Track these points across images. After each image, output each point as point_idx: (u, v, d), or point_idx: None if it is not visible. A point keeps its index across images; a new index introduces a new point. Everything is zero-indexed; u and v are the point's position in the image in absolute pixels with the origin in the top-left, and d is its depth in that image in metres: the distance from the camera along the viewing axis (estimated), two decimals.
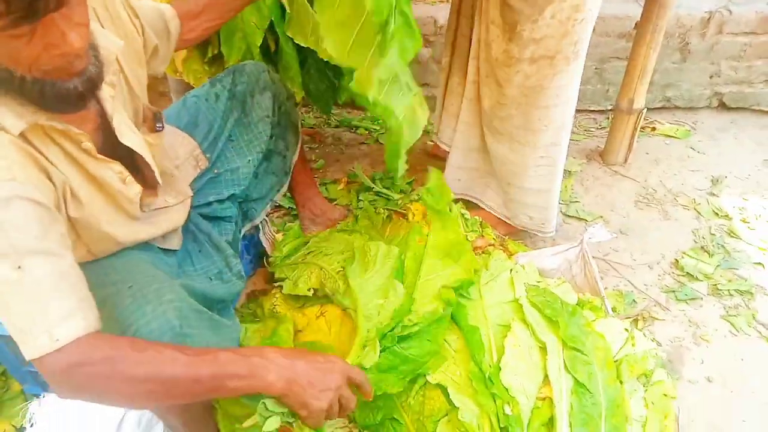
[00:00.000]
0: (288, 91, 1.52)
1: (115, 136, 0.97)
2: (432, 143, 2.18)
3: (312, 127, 2.27)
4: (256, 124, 1.42)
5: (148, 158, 1.05)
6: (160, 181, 1.10)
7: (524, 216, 1.66)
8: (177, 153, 1.32)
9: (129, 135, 1.00)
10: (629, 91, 1.91)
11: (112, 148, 0.99)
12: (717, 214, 1.85)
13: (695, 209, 1.88)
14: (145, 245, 1.18)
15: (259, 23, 1.57)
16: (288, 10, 1.49)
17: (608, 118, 2.26)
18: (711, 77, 2.29)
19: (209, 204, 1.43)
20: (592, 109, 2.36)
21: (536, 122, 1.46)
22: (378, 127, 2.26)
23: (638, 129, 1.98)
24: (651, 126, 2.26)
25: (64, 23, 0.73)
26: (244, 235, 1.59)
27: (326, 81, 1.80)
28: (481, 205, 1.75)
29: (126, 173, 1.00)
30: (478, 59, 1.51)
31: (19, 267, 0.75)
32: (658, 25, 1.76)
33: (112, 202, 1.02)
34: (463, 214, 1.74)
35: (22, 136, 0.81)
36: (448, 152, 1.84)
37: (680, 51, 2.23)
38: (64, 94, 0.80)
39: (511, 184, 1.61)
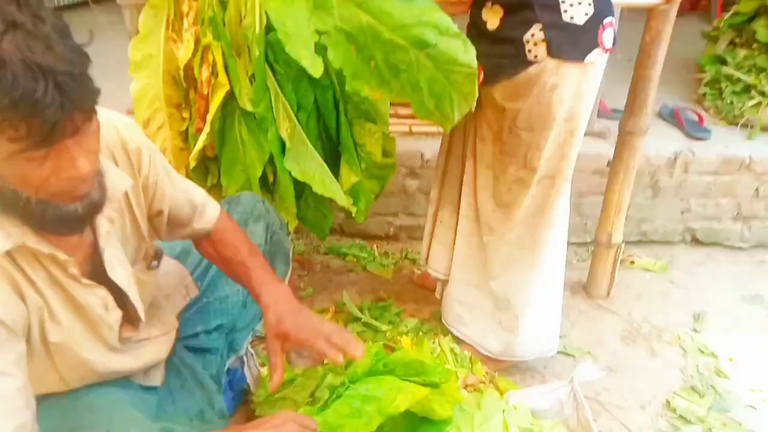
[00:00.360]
0: (281, 220, 1.56)
1: (105, 268, 0.98)
2: (418, 273, 2.21)
3: (301, 254, 2.30)
4: None
5: (134, 297, 1.05)
6: (143, 318, 1.09)
7: (533, 344, 1.66)
8: (168, 281, 1.32)
9: (119, 271, 1.01)
10: (607, 225, 1.99)
11: (99, 278, 0.99)
12: (702, 351, 1.87)
13: (681, 346, 1.89)
14: (124, 381, 1.14)
15: (260, 157, 1.64)
16: (288, 145, 1.58)
17: (588, 251, 2.33)
18: (682, 213, 2.42)
19: (196, 335, 1.40)
20: (572, 241, 2.43)
21: (543, 241, 1.53)
22: (366, 255, 2.30)
23: (618, 262, 2.04)
24: (630, 259, 2.33)
25: (75, 149, 0.76)
26: (228, 368, 1.55)
27: (323, 210, 1.85)
28: (478, 348, 1.73)
29: (109, 299, 1.00)
30: (474, 197, 1.58)
31: None
32: (629, 165, 1.88)
33: (92, 329, 1.00)
34: (452, 349, 1.74)
35: (8, 254, 0.83)
36: (438, 280, 1.87)
37: (651, 188, 2.37)
38: (64, 217, 0.83)
39: (518, 316, 1.62)
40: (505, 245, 1.56)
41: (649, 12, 1.67)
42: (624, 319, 2.01)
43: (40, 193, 0.78)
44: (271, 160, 1.68)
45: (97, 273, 0.99)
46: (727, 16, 2.82)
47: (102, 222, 0.96)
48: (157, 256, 1.19)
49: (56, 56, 0.69)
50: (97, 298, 0.98)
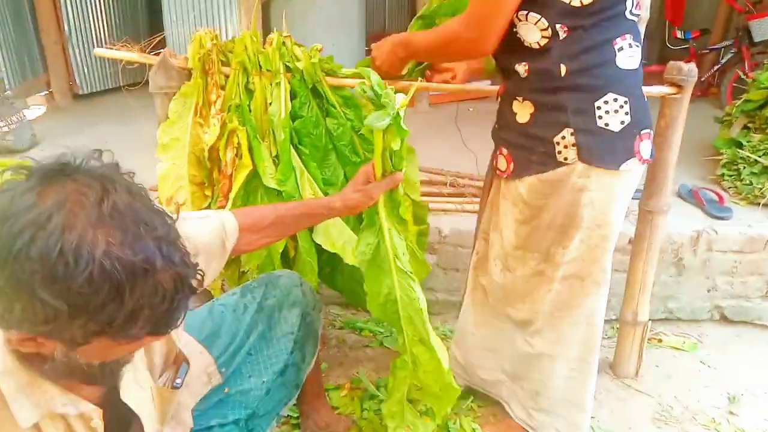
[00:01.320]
0: (316, 301, 1.49)
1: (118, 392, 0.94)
2: None
3: None
4: (279, 339, 1.38)
5: (146, 420, 0.99)
6: None
7: (552, 428, 1.58)
8: (190, 371, 1.21)
9: (133, 394, 0.97)
10: (632, 303, 1.94)
11: (110, 400, 0.94)
12: None
13: (716, 429, 1.78)
14: None
15: None
16: None
17: (613, 328, 2.26)
18: (709, 291, 2.36)
19: (210, 428, 1.33)
20: None
21: (567, 336, 1.47)
22: (383, 330, 2.25)
23: (645, 341, 1.97)
24: (657, 338, 2.25)
25: None
26: None
27: (360, 279, 1.84)
28: (506, 407, 1.66)
29: (99, 425, 0.90)
30: (486, 275, 1.56)
31: None
32: (651, 243, 1.87)
33: None
34: (474, 429, 1.65)
35: (36, 426, 0.80)
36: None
37: (675, 266, 2.33)
38: (114, 369, 0.87)
39: (541, 394, 1.55)
40: (530, 333, 1.52)
41: (662, 99, 1.72)
42: (654, 400, 1.91)
43: (105, 359, 0.81)
44: (293, 236, 1.71)
45: (110, 395, 0.94)
46: (738, 103, 2.90)
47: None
48: (182, 366, 1.12)
49: (182, 260, 0.75)
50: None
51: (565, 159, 1.26)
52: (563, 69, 1.21)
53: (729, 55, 4.37)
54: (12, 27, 3.77)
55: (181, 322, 0.78)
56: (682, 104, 1.70)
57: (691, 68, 1.66)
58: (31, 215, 0.65)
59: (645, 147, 1.29)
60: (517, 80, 1.30)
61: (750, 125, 2.81)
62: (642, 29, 2.07)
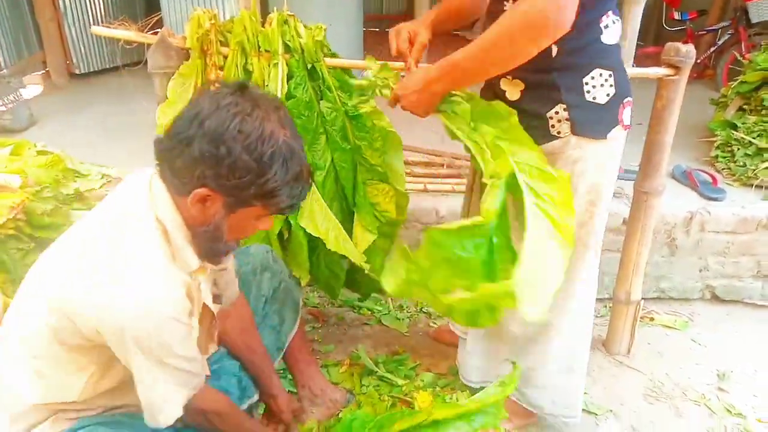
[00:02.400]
0: (286, 269, 1.65)
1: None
2: (434, 327, 2.20)
3: (315, 307, 2.30)
4: (252, 301, 1.53)
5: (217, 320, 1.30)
6: (215, 340, 1.35)
7: (548, 400, 1.62)
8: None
9: (209, 299, 1.23)
10: (625, 283, 1.98)
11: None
12: (730, 411, 1.80)
13: (706, 406, 1.83)
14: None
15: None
16: (302, 204, 1.64)
17: (606, 307, 2.30)
18: (700, 271, 2.40)
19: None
20: None
21: (561, 304, 1.50)
22: (381, 308, 2.29)
23: (638, 319, 2.02)
24: (649, 316, 2.30)
25: None
26: None
27: (335, 270, 1.87)
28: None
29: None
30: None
31: (165, 363, 1.06)
32: (645, 224, 1.90)
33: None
34: None
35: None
36: (457, 337, 1.85)
37: (668, 246, 2.37)
38: (223, 252, 1.16)
39: (534, 369, 1.59)
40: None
41: (659, 81, 1.73)
42: (646, 377, 1.96)
43: (237, 238, 1.14)
44: (286, 217, 1.73)
45: None
46: (734, 84, 2.91)
47: None
48: (217, 296, 1.36)
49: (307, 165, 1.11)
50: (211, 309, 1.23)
51: (559, 133, 1.31)
52: (555, 50, 1.24)
53: (726, 37, 4.36)
54: (6, 4, 3.73)
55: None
56: (679, 86, 1.72)
57: (689, 50, 1.67)
58: (238, 108, 0.99)
59: (626, 114, 1.36)
60: None
61: (745, 107, 2.83)
62: (639, 12, 2.10)
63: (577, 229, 1.40)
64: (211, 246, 1.11)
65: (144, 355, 1.03)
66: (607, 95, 1.29)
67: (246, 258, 1.57)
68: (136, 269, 1.02)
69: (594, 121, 1.30)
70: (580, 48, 1.24)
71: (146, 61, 1.65)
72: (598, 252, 1.51)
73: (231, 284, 1.39)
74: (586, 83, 1.27)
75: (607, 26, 1.26)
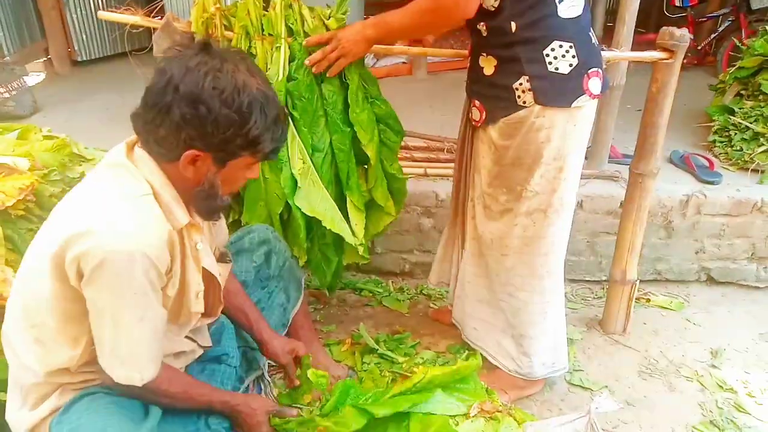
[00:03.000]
0: (288, 248, 1.73)
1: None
2: (432, 308, 2.25)
3: (317, 289, 2.34)
4: (242, 264, 1.61)
5: (220, 280, 1.32)
6: (222, 301, 1.37)
7: (539, 365, 1.69)
8: None
9: (209, 260, 1.28)
10: (621, 263, 2.02)
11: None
12: (721, 387, 1.85)
13: (699, 381, 1.88)
14: None
15: (281, 194, 1.72)
16: (299, 184, 1.68)
17: (603, 288, 2.35)
18: (696, 253, 2.44)
19: (218, 358, 1.48)
20: (587, 279, 2.46)
21: (539, 269, 1.61)
22: (382, 290, 2.34)
23: (633, 299, 2.06)
24: (646, 297, 2.34)
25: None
26: (247, 387, 1.60)
27: (327, 254, 1.90)
28: (495, 362, 1.77)
29: (202, 288, 1.25)
30: (475, 219, 1.68)
31: (141, 319, 1.07)
32: (641, 205, 1.94)
33: (178, 307, 1.22)
34: None
35: (181, 229, 1.14)
36: (450, 314, 1.92)
37: (665, 228, 2.40)
38: (219, 207, 1.20)
39: (524, 336, 1.67)
40: (503, 271, 1.64)
41: (654, 65, 1.77)
42: (641, 354, 2.01)
43: (230, 191, 1.18)
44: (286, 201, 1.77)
45: None
46: (732, 70, 2.93)
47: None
48: (225, 254, 1.44)
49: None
50: (197, 283, 1.23)
51: (524, 103, 1.41)
52: (513, 25, 1.36)
53: (726, 24, 4.36)
54: None
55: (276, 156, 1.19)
56: (673, 69, 1.75)
57: (683, 33, 1.70)
58: (207, 66, 1.03)
59: (594, 84, 1.43)
60: (479, 38, 1.45)
61: (743, 92, 2.85)
62: None
63: (547, 196, 1.52)
64: (208, 204, 1.16)
65: (114, 295, 1.04)
66: (570, 65, 1.38)
67: (249, 236, 1.63)
68: (124, 207, 1.06)
69: (557, 91, 1.40)
70: (535, 22, 1.35)
71: (151, 47, 1.68)
72: (568, 218, 1.61)
73: (220, 233, 1.45)
74: (547, 55, 1.37)
75: (562, 1, 1.35)
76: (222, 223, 1.45)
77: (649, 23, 5.13)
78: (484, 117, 1.51)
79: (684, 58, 1.77)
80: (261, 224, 1.68)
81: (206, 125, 1.03)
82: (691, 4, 4.62)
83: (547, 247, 1.59)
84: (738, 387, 1.85)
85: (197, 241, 1.20)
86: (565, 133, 1.45)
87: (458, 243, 1.85)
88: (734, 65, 2.96)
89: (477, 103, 1.54)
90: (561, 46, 1.37)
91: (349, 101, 1.67)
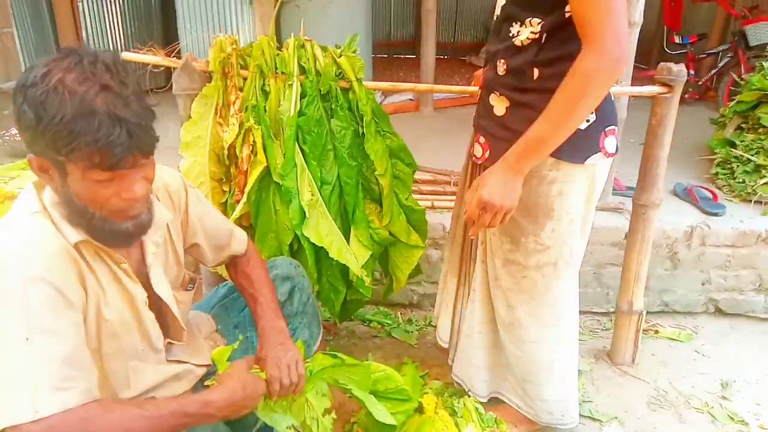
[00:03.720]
0: (311, 285, 1.67)
1: (150, 284, 1.16)
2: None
3: (327, 320, 2.36)
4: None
5: (174, 309, 1.21)
6: (184, 327, 1.25)
7: (544, 412, 1.67)
8: (200, 329, 1.44)
9: (161, 286, 1.18)
10: (627, 294, 2.04)
11: (148, 288, 1.15)
12: (732, 419, 1.84)
13: (709, 413, 1.87)
14: None
15: (290, 225, 1.77)
16: (307, 215, 1.73)
17: (611, 320, 2.35)
18: (703, 284, 2.45)
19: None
20: (594, 311, 2.47)
21: (547, 319, 1.56)
22: (391, 322, 2.36)
23: (641, 329, 2.07)
24: (654, 329, 2.35)
25: (133, 176, 1.00)
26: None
27: (336, 285, 1.93)
28: (506, 400, 1.75)
29: (147, 301, 1.14)
30: (485, 263, 1.63)
31: (27, 339, 0.91)
32: (645, 236, 1.97)
33: (139, 323, 1.14)
34: (477, 409, 1.75)
35: (77, 247, 1.02)
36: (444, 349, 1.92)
37: (670, 259, 2.42)
38: (118, 232, 1.05)
39: (528, 381, 1.65)
40: (509, 321, 1.60)
41: (653, 99, 1.83)
42: (650, 385, 2.00)
43: (103, 210, 1.01)
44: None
45: (141, 275, 1.16)
46: (732, 104, 3.00)
47: (149, 244, 1.17)
48: (193, 280, 1.35)
49: (131, 111, 0.95)
50: (142, 293, 1.13)
51: None
52: (536, 72, 1.30)
53: (726, 59, 4.47)
54: (32, 31, 3.92)
55: (127, 167, 0.97)
56: (672, 103, 1.81)
57: (680, 69, 1.77)
58: (36, 65, 0.93)
59: (610, 143, 1.37)
60: (494, 74, 1.39)
61: (743, 126, 2.91)
62: (636, 33, 2.20)
63: (558, 249, 1.47)
64: (88, 223, 1.01)
65: (1, 324, 0.91)
66: (587, 121, 1.31)
67: (271, 268, 1.57)
68: (8, 231, 0.99)
69: (572, 146, 1.29)
70: (559, 74, 1.20)
71: (170, 86, 1.76)
72: (576, 270, 1.56)
73: (206, 253, 1.38)
74: None
75: None
76: (207, 243, 1.38)
77: (650, 60, 5.26)
78: (487, 156, 1.45)
79: (686, 93, 1.83)
80: (285, 258, 1.64)
81: (19, 125, 0.94)
82: (690, 41, 4.74)
83: (556, 299, 1.54)
84: (750, 419, 1.83)
85: (120, 262, 1.09)
86: (580, 189, 1.40)
87: (462, 290, 1.79)
88: (734, 99, 3.03)
89: (482, 139, 1.48)
90: None
91: (365, 132, 1.73)
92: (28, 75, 0.92)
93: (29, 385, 0.89)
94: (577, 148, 1.32)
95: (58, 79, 0.91)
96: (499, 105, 1.40)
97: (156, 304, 1.18)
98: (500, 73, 1.37)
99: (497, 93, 1.40)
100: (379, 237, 1.87)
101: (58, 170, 0.96)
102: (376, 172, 1.78)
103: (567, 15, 1.22)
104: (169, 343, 1.24)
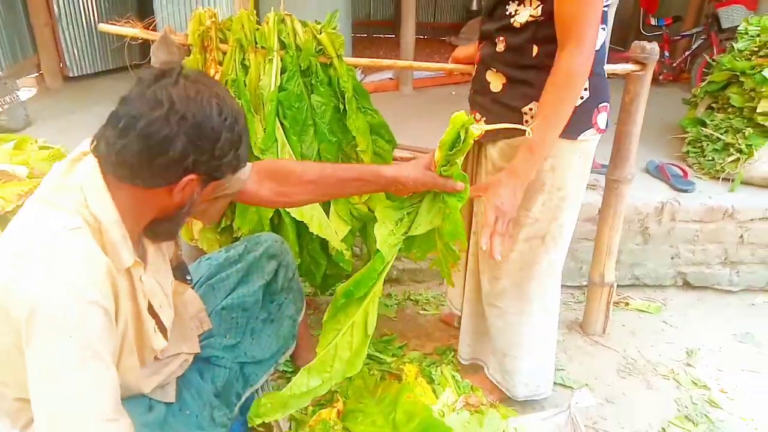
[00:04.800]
0: (294, 261, 1.68)
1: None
2: (423, 313, 2.31)
3: (307, 295, 2.39)
4: (254, 283, 1.54)
5: (168, 296, 1.20)
6: (167, 326, 1.19)
7: (521, 384, 1.72)
8: (187, 307, 1.41)
9: (158, 297, 1.15)
10: (599, 266, 2.11)
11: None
12: (696, 384, 1.93)
13: (675, 379, 1.96)
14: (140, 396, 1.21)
15: None
16: None
17: (584, 293, 2.42)
18: (672, 258, 2.54)
19: (207, 359, 1.46)
20: (568, 284, 2.54)
21: (530, 292, 1.60)
22: None
23: (612, 301, 2.14)
24: (624, 301, 2.43)
25: None
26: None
27: (316, 258, 1.97)
28: (485, 370, 1.81)
29: (153, 321, 1.12)
30: (477, 235, 1.67)
31: (82, 366, 0.89)
32: (617, 210, 2.03)
33: (140, 342, 1.11)
34: (454, 377, 1.81)
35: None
36: (455, 315, 1.99)
37: (642, 234, 2.50)
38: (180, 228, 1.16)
39: (507, 355, 1.70)
40: (494, 293, 1.65)
41: (627, 77, 1.87)
42: (619, 354, 2.08)
43: (200, 208, 1.17)
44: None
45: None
46: (703, 84, 3.07)
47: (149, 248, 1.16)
48: (185, 269, 1.35)
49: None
50: (149, 318, 1.11)
51: (532, 128, 1.37)
52: (535, 49, 1.34)
53: (699, 41, 4.56)
54: (2, 8, 3.81)
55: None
56: (645, 80, 1.86)
57: (652, 47, 1.82)
58: (206, 94, 1.00)
59: (601, 119, 1.43)
60: (493, 52, 1.42)
61: (714, 105, 2.99)
62: (612, 12, 2.23)
63: (547, 223, 1.52)
64: (171, 227, 1.12)
65: (55, 349, 0.87)
66: (581, 98, 1.35)
67: (255, 246, 1.59)
68: (53, 251, 0.92)
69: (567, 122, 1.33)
70: (557, 51, 1.27)
71: (145, 62, 1.75)
72: (565, 247, 1.60)
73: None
74: None
75: None
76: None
77: (627, 42, 5.32)
78: (483, 133, 1.48)
79: (660, 75, 1.88)
80: (270, 234, 1.64)
81: (214, 150, 1.02)
82: (666, 23, 4.81)
83: (541, 272, 1.57)
84: (711, 384, 1.93)
85: (140, 274, 1.08)
86: (571, 164, 1.43)
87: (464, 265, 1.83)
88: (704, 79, 3.10)
89: (478, 116, 1.50)
90: None
91: (346, 109, 1.74)
92: (221, 105, 1.01)
93: (82, 416, 0.89)
94: (572, 124, 1.35)
95: (239, 108, 1.07)
96: (496, 81, 1.44)
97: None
98: (499, 50, 1.40)
99: (494, 69, 1.43)
100: (358, 212, 1.90)
101: (203, 184, 1.06)
102: (357, 148, 1.80)
103: None
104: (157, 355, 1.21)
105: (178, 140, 0.97)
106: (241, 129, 1.06)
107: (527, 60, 1.36)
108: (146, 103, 0.97)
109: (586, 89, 1.36)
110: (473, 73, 1.57)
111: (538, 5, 1.30)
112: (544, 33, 1.31)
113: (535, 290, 1.61)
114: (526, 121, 1.39)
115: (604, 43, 1.41)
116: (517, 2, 1.34)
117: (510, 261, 1.58)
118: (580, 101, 1.36)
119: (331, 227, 1.83)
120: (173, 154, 0.97)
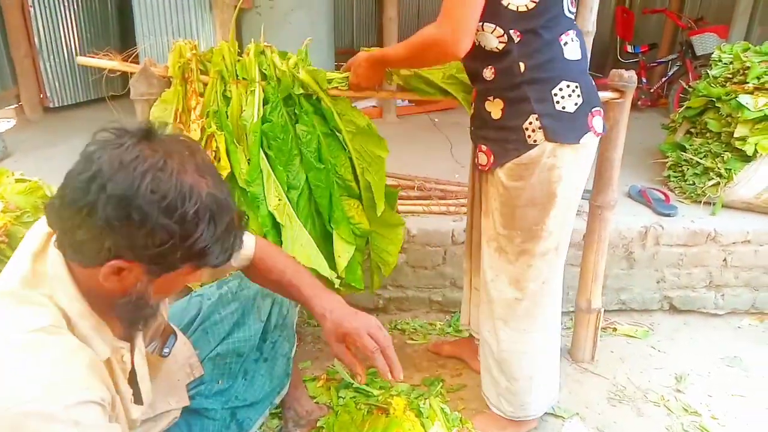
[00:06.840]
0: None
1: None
2: (411, 342, 2.27)
3: None
4: (251, 327, 1.49)
5: (143, 379, 1.11)
6: (144, 401, 1.12)
7: (534, 405, 1.73)
8: (176, 357, 1.33)
9: (136, 355, 1.08)
10: (585, 292, 2.10)
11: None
12: (687, 410, 1.91)
13: (665, 406, 1.94)
14: None
15: (258, 230, 1.76)
16: (281, 222, 1.72)
17: (571, 319, 2.41)
18: (658, 282, 2.54)
19: (197, 411, 1.41)
20: None
21: (549, 308, 1.65)
22: None
23: (599, 327, 2.13)
24: (612, 327, 2.42)
25: None
26: None
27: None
28: (485, 398, 1.80)
29: (131, 391, 1.05)
30: (484, 264, 1.68)
31: None
32: (601, 236, 2.03)
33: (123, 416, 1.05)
34: (443, 409, 1.77)
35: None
36: (449, 351, 2.02)
37: (626, 259, 2.51)
38: (152, 315, 1.00)
39: (517, 379, 1.69)
40: (514, 316, 1.64)
41: (606, 104, 1.89)
42: (609, 381, 2.06)
43: (164, 298, 1.04)
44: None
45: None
46: (681, 110, 3.13)
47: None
48: (168, 342, 1.25)
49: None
50: (128, 391, 1.04)
51: (535, 141, 1.43)
52: (522, 66, 1.40)
53: (675, 68, 4.68)
54: None
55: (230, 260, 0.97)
56: (624, 107, 1.88)
57: (630, 75, 1.85)
58: (147, 163, 0.82)
59: (597, 122, 1.48)
60: (485, 83, 1.48)
61: (692, 130, 3.04)
62: (589, 42, 2.28)
63: (558, 233, 1.55)
64: (135, 315, 0.95)
65: None
66: (575, 104, 1.43)
67: (248, 283, 1.50)
68: (34, 352, 0.83)
69: (566, 128, 1.43)
70: (543, 63, 1.40)
71: (126, 93, 1.74)
72: (564, 257, 1.65)
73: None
74: (555, 94, 1.41)
75: (566, 44, 1.42)
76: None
77: (605, 69, 5.44)
78: (492, 161, 1.52)
79: (639, 101, 1.91)
80: None
81: (138, 235, 0.82)
82: (642, 50, 4.93)
83: (557, 285, 1.64)
84: (702, 410, 1.91)
85: (123, 354, 1.02)
86: (574, 170, 1.49)
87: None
88: (684, 105, 3.16)
89: (484, 147, 1.55)
90: (568, 86, 1.41)
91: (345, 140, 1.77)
92: (155, 181, 0.81)
93: None
94: (571, 129, 1.44)
95: (206, 192, 0.86)
96: (495, 109, 1.49)
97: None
98: (490, 79, 1.46)
99: (491, 98, 1.49)
100: (360, 230, 1.88)
101: (151, 274, 0.89)
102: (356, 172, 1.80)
103: (513, 7, 1.35)
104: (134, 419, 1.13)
105: (96, 214, 0.80)
106: (197, 219, 0.85)
107: (517, 78, 1.42)
108: (81, 162, 0.84)
109: (579, 95, 1.43)
110: (472, 111, 1.62)
111: (493, 26, 1.39)
112: (525, 50, 1.39)
113: (552, 306, 1.66)
114: (528, 136, 1.44)
115: (584, 55, 1.48)
116: (490, 32, 1.41)
117: (530, 279, 1.59)
118: (574, 108, 1.43)
119: (320, 257, 1.80)
120: (90, 227, 0.82)
